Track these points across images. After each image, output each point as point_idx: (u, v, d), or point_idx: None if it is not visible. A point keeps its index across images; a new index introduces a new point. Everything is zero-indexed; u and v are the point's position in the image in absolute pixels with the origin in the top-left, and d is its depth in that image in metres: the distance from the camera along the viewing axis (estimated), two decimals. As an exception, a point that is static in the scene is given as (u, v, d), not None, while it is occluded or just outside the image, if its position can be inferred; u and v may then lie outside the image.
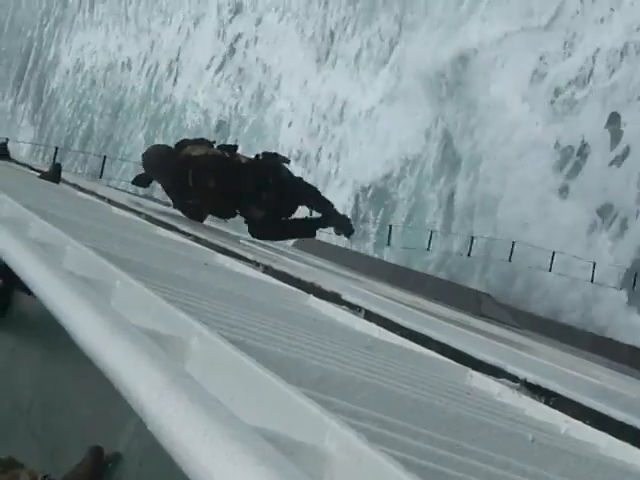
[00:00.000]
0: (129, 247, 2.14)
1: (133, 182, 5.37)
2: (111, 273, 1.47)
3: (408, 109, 11.00)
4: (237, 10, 16.04)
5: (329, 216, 6.14)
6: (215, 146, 5.49)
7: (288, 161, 5.79)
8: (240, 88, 15.09)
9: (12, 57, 36.40)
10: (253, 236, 5.65)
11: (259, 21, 15.15)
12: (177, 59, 17.66)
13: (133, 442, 3.06)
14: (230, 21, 16.18)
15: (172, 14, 19.26)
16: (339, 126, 12.47)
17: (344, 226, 6.22)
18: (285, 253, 5.34)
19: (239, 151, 5.72)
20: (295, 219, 6.03)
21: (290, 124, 13.34)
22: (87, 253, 1.60)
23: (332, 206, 6.28)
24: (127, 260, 1.72)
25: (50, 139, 26.44)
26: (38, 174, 5.02)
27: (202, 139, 5.69)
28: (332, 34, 12.98)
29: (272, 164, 5.61)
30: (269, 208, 5.63)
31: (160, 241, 2.95)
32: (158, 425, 0.72)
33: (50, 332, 4.12)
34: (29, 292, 4.66)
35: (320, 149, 12.68)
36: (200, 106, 16.13)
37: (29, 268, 1.35)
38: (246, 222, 5.81)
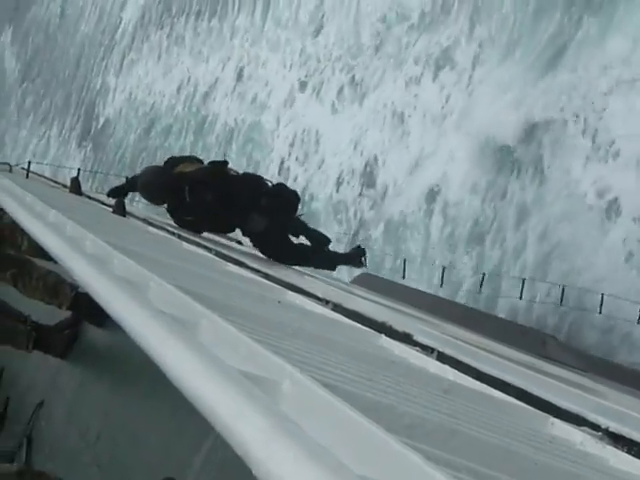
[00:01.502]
0: (207, 284, 2.17)
1: (108, 194, 5.36)
2: (196, 311, 1.49)
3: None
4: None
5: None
6: (205, 163, 5.60)
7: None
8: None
9: (64, 86, 37.86)
10: (263, 252, 5.69)
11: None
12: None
13: (200, 475, 3.07)
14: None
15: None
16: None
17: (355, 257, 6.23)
18: (347, 289, 5.34)
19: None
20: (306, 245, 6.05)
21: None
22: (171, 290, 1.63)
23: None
24: (208, 298, 1.75)
25: (100, 165, 27.35)
26: (110, 209, 5.15)
27: (191, 156, 5.79)
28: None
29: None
30: (271, 215, 5.66)
31: (233, 278, 2.98)
32: (266, 471, 0.72)
33: (118, 364, 4.19)
34: (98, 324, 4.73)
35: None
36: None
37: (119, 305, 1.37)
38: (248, 235, 5.83)
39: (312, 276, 5.84)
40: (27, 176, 5.66)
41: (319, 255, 6.04)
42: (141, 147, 22.66)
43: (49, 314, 5.16)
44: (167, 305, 1.49)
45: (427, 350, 2.59)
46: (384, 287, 8.74)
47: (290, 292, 3.10)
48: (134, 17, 31.84)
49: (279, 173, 15.73)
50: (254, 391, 0.95)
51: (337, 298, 3.40)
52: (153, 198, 5.40)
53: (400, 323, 2.95)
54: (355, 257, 6.18)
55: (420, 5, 12.30)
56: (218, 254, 4.19)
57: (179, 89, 24.10)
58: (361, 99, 13.45)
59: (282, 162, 16.20)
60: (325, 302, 3.15)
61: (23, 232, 4.63)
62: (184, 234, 4.90)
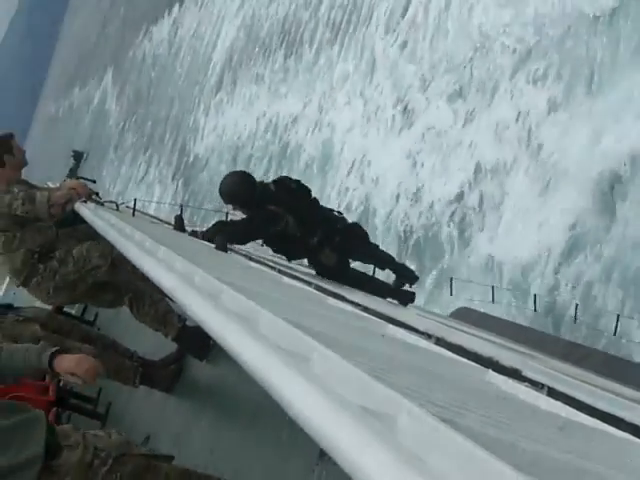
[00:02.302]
0: (313, 318, 2.18)
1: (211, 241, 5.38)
2: (308, 345, 1.50)
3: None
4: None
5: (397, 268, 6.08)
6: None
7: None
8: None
9: (160, 124, 39.60)
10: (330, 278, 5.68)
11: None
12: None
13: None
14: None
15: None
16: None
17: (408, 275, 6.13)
18: (446, 323, 5.27)
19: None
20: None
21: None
22: (281, 324, 1.64)
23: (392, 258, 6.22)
24: (317, 331, 1.75)
25: (192, 196, 28.48)
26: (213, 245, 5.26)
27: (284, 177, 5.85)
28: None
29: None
30: (342, 253, 5.65)
31: (335, 311, 3.00)
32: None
33: (222, 398, 4.25)
34: (201, 358, 4.82)
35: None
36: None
37: (234, 339, 1.40)
38: (314, 265, 5.80)
39: (408, 308, 5.80)
40: (133, 214, 5.86)
41: (374, 284, 6.02)
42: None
43: (154, 349, 5.30)
44: (280, 339, 1.50)
45: (537, 386, 2.52)
46: (483, 321, 8.61)
47: (391, 325, 3.09)
48: (222, 59, 33.56)
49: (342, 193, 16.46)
50: (375, 425, 0.95)
51: (439, 332, 3.36)
52: (237, 202, 5.54)
53: (506, 358, 2.88)
54: (405, 298, 6.10)
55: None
56: (318, 288, 4.21)
57: (261, 123, 25.27)
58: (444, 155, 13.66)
59: (347, 188, 16.83)
60: (427, 336, 3.11)
61: None
62: (284, 268, 4.96)
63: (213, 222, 5.77)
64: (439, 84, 14.93)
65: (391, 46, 17.87)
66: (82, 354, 3.37)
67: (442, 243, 13.18)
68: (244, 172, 5.75)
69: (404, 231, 14.29)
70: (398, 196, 14.84)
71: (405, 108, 15.95)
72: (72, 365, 3.20)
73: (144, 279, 5.14)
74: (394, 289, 6.03)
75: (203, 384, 4.77)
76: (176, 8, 47.77)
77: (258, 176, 5.86)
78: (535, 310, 8.93)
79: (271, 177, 6.23)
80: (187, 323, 5.01)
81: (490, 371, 2.46)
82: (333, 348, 1.50)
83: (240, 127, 27.55)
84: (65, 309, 8.81)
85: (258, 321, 1.70)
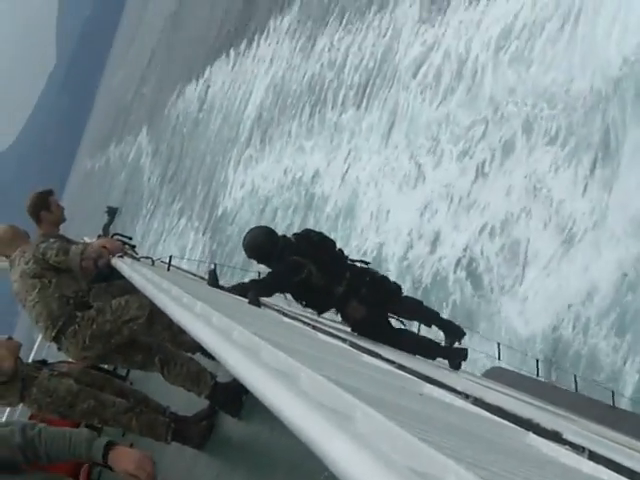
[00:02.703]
0: (351, 375, 2.17)
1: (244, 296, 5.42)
2: (349, 403, 1.49)
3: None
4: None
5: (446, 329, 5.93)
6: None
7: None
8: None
9: (192, 180, 40.81)
10: (360, 333, 5.61)
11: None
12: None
13: None
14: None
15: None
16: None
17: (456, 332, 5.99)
18: (481, 382, 5.19)
19: None
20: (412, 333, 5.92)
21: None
22: (322, 382, 1.64)
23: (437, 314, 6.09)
24: (357, 389, 1.74)
25: (219, 248, 29.22)
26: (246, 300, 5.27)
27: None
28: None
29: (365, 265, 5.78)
30: (369, 305, 5.58)
31: (371, 369, 2.97)
32: None
33: (254, 455, 4.20)
34: (233, 415, 4.77)
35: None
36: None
37: (276, 396, 1.39)
38: (345, 318, 5.75)
39: (443, 368, 5.73)
40: (168, 269, 5.91)
41: (422, 343, 5.92)
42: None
43: (185, 405, 5.27)
44: (321, 396, 1.49)
45: (578, 449, 2.47)
46: (518, 381, 8.46)
47: (428, 385, 3.05)
48: (251, 117, 34.87)
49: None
50: (425, 488, 0.93)
51: (475, 392, 3.31)
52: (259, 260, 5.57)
53: (546, 420, 2.83)
54: (456, 357, 5.93)
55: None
56: (352, 344, 4.19)
57: (287, 178, 26.25)
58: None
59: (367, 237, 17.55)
60: (465, 396, 3.08)
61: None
62: (318, 325, 4.95)
63: (243, 280, 5.82)
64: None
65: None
66: (141, 453, 3.10)
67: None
68: (266, 227, 5.82)
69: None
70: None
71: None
72: (132, 467, 2.95)
73: (173, 340, 5.15)
74: (446, 348, 5.89)
75: (235, 441, 4.72)
76: (209, 69, 49.33)
77: (283, 229, 5.95)
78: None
79: (296, 229, 6.31)
80: (219, 380, 5.00)
81: (531, 434, 2.42)
82: (375, 407, 1.49)
83: (268, 181, 28.56)
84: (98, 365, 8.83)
85: (298, 378, 1.69)
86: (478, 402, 3.00)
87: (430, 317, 5.98)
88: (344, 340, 4.26)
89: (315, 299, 5.66)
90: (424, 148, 17.12)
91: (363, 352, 3.82)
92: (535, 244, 12.00)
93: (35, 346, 11.12)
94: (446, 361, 5.90)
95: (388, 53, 22.12)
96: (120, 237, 5.56)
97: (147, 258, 5.85)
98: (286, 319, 4.71)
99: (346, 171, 21.41)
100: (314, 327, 4.64)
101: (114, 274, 5.12)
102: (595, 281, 10.52)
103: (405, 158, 17.87)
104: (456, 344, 5.89)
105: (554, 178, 12.01)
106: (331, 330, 4.82)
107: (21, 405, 8.07)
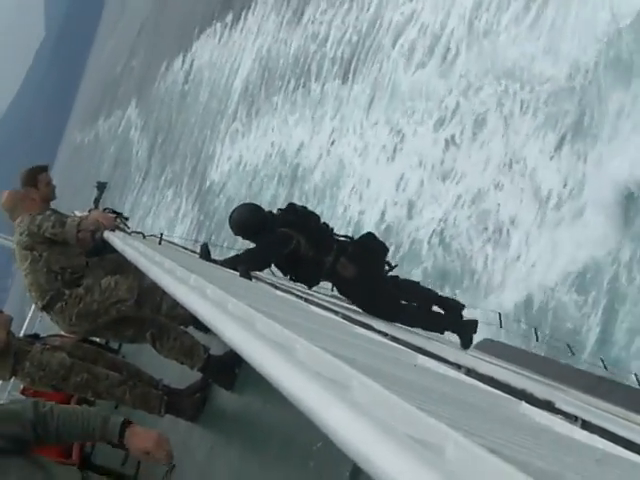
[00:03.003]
0: (345, 347, 2.17)
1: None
2: (346, 373, 1.49)
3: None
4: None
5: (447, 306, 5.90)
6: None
7: None
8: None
9: (181, 153, 41.33)
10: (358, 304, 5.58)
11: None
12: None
13: None
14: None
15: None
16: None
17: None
18: (473, 354, 5.23)
19: None
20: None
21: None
22: (317, 352, 1.64)
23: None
24: (352, 360, 1.74)
25: (207, 219, 29.67)
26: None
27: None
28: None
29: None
30: (360, 263, 5.57)
31: (365, 340, 2.98)
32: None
33: (248, 427, 4.22)
34: (227, 387, 4.78)
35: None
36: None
37: (274, 367, 1.39)
38: (337, 285, 5.72)
39: (435, 339, 5.75)
40: (160, 242, 5.90)
41: (429, 316, 5.88)
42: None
43: (178, 377, 5.29)
44: (318, 367, 1.50)
45: (570, 418, 2.49)
46: (508, 353, 8.51)
47: (421, 356, 3.06)
48: (238, 90, 35.36)
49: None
50: (425, 454, 0.94)
51: (468, 363, 3.33)
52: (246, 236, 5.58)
53: (539, 390, 2.85)
54: (467, 331, 5.87)
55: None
56: (345, 317, 4.20)
57: (273, 151, 26.69)
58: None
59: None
60: (458, 367, 3.10)
61: (162, 294, 4.82)
62: (310, 297, 4.95)
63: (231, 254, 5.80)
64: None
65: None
66: (158, 431, 3.06)
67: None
68: (252, 204, 5.80)
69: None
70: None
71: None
72: (150, 445, 2.91)
73: (167, 315, 5.14)
74: (455, 321, 5.84)
75: (229, 414, 4.74)
76: (196, 42, 49.37)
77: (268, 199, 5.91)
78: (537, 340, 8.87)
79: (282, 201, 6.28)
80: (212, 353, 5.01)
81: (524, 403, 2.44)
82: (371, 377, 1.50)
83: (254, 154, 29.10)
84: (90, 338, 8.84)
85: (294, 349, 1.69)
86: (471, 373, 3.02)
87: (428, 297, 5.93)
88: (336, 313, 4.28)
89: (305, 271, 5.63)
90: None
91: (356, 324, 3.83)
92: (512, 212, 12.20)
93: (26, 321, 11.11)
94: (455, 335, 5.85)
95: (371, 27, 22.29)
96: (112, 211, 5.54)
97: (138, 233, 5.83)
98: (279, 292, 4.72)
99: (331, 143, 21.78)
100: (306, 300, 4.65)
101: (107, 248, 5.11)
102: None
103: (385, 130, 18.16)
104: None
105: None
106: (323, 303, 4.83)
107: (12, 379, 8.08)
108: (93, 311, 4.94)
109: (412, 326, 5.68)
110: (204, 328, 5.05)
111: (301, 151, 24.23)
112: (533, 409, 2.38)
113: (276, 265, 5.66)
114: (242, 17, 40.21)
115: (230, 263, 5.31)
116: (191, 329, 5.23)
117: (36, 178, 5.38)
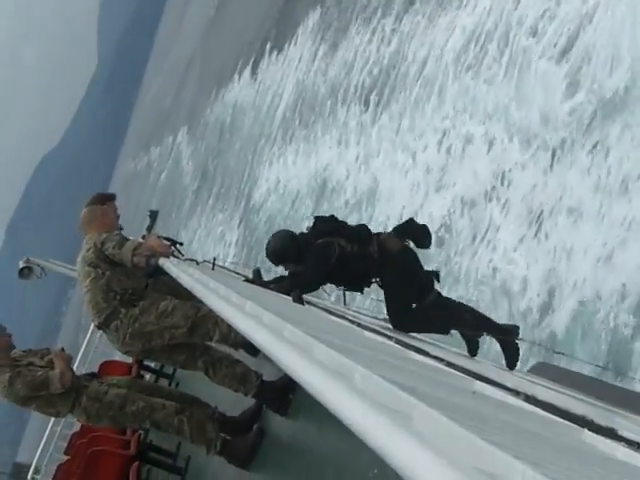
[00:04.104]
0: (402, 374, 2.16)
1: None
2: (406, 402, 1.48)
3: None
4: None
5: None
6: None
7: None
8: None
9: (227, 176, 43.14)
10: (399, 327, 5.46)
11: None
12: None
13: None
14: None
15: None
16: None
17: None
18: (530, 379, 5.13)
19: None
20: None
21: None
22: (377, 381, 1.63)
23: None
24: (412, 388, 1.73)
25: (252, 238, 31.21)
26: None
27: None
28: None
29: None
30: (403, 239, 5.49)
31: (421, 366, 2.96)
32: None
33: (302, 453, 4.20)
34: (281, 414, 4.78)
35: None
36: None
37: (333, 395, 1.39)
38: (386, 268, 5.60)
39: (492, 365, 5.67)
40: (213, 267, 5.96)
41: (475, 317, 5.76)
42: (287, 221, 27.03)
43: (232, 403, 5.30)
44: (378, 396, 1.49)
45: (633, 445, 2.43)
46: (565, 377, 8.34)
47: (478, 382, 3.02)
48: (278, 118, 37.25)
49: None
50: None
51: (526, 389, 3.28)
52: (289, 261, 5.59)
53: (600, 416, 2.79)
54: (512, 354, 5.73)
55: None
56: (399, 342, 4.17)
57: (311, 171, 27.81)
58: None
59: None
60: (516, 393, 3.05)
61: (215, 323, 4.85)
62: (363, 323, 4.94)
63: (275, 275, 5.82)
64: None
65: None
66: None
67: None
68: (281, 230, 5.82)
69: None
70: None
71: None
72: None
73: (220, 343, 5.16)
74: (502, 330, 5.73)
75: (284, 440, 4.73)
76: (244, 71, 51.71)
77: (307, 216, 5.89)
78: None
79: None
80: (264, 379, 5.02)
81: (586, 430, 2.38)
82: (432, 406, 1.48)
83: (294, 175, 30.76)
84: (145, 362, 8.96)
85: (353, 377, 1.68)
86: (530, 399, 2.97)
87: (481, 324, 5.77)
88: (390, 337, 4.25)
89: (356, 269, 5.54)
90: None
91: (410, 349, 3.80)
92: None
93: (80, 352, 11.30)
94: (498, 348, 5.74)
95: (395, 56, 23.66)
96: (168, 238, 5.61)
97: (192, 260, 5.89)
98: (332, 317, 4.72)
99: (363, 163, 23.03)
100: (359, 325, 4.63)
101: (158, 271, 5.17)
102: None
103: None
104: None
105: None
106: (376, 327, 4.81)
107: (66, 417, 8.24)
108: (147, 332, 4.99)
109: (443, 324, 5.59)
110: (255, 352, 5.07)
111: (333, 171, 25.70)
112: (596, 437, 2.32)
113: (327, 279, 5.61)
114: (284, 48, 42.41)
115: (283, 288, 5.31)
116: (241, 352, 5.25)
117: (105, 203, 5.49)
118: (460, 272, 14.22)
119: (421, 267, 5.61)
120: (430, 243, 5.67)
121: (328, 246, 5.40)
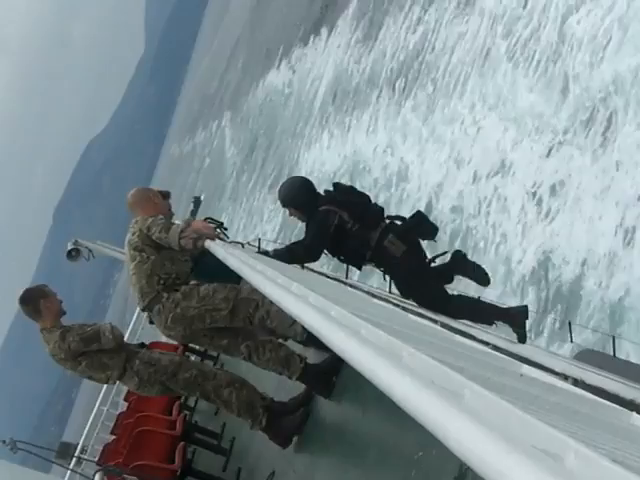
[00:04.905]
0: (450, 355, 2.16)
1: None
2: (457, 381, 1.48)
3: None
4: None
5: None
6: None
7: None
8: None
9: (268, 161, 44.10)
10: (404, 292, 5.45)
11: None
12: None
13: None
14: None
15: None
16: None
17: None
18: (576, 364, 5.08)
19: None
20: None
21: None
22: (426, 360, 1.63)
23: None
24: (461, 368, 1.73)
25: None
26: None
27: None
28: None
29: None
30: (409, 243, 5.45)
31: (467, 349, 2.95)
32: None
33: (347, 435, 4.23)
34: (326, 396, 4.80)
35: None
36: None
37: (386, 375, 1.40)
38: (381, 264, 5.56)
39: (537, 347, 5.62)
40: (259, 250, 6.00)
41: (477, 308, 5.74)
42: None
43: (274, 388, 5.34)
44: (428, 375, 1.49)
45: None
46: (610, 364, 8.24)
47: (525, 365, 3.01)
48: (319, 102, 37.97)
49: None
50: (549, 464, 0.92)
51: (575, 373, 3.25)
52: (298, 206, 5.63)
53: (648, 401, 2.76)
54: (518, 317, 5.69)
55: None
56: (443, 325, 4.16)
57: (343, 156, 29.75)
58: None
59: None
60: (564, 377, 3.03)
61: (256, 306, 4.89)
62: (407, 306, 4.93)
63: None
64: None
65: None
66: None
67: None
68: (303, 177, 5.85)
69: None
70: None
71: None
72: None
73: (262, 326, 5.19)
74: (505, 310, 5.74)
75: (328, 422, 4.76)
76: (286, 57, 52.23)
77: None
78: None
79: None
80: (308, 361, 5.04)
81: (634, 414, 2.36)
82: (482, 385, 1.48)
83: (332, 158, 31.45)
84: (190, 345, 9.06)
85: (402, 357, 1.69)
86: (578, 383, 2.95)
87: (490, 312, 5.76)
88: (435, 321, 4.24)
89: (350, 247, 5.54)
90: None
91: (455, 332, 3.79)
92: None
93: (127, 332, 11.46)
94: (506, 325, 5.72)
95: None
96: (212, 220, 5.65)
97: (237, 243, 5.94)
98: (375, 300, 4.72)
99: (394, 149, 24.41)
100: (404, 308, 4.63)
101: (202, 255, 5.21)
102: None
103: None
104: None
105: None
106: (420, 311, 4.80)
107: (116, 385, 8.38)
108: (189, 316, 5.02)
109: (457, 317, 5.56)
110: (302, 341, 5.11)
111: (369, 156, 26.98)
112: (645, 420, 2.30)
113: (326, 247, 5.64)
114: (327, 34, 43.27)
115: (284, 256, 5.36)
116: (290, 342, 5.28)
117: (165, 198, 5.60)
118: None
119: (428, 261, 5.68)
120: (435, 235, 5.70)
121: (328, 214, 5.43)
